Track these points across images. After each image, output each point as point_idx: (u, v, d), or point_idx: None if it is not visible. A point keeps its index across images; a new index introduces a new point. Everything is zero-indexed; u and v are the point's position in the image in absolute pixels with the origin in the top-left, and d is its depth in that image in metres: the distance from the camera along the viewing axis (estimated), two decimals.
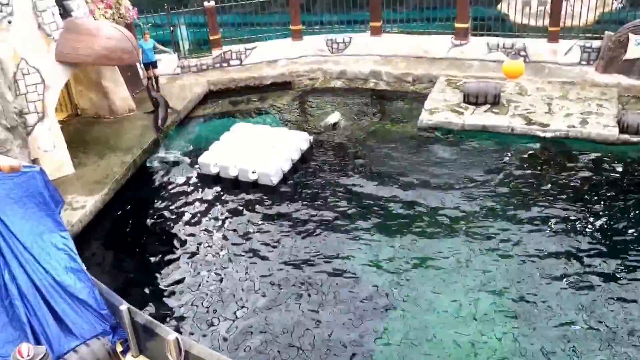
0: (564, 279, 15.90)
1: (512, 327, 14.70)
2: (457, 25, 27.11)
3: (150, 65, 25.22)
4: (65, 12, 21.03)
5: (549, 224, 17.89)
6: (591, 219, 18.01)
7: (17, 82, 19.58)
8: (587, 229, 17.66)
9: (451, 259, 16.92)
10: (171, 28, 27.81)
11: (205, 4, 27.80)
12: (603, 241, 17.15)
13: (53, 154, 20.51)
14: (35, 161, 19.20)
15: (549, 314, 14.96)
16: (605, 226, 17.74)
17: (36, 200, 13.77)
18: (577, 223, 17.90)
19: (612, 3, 29.41)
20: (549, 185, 19.64)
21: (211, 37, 28.37)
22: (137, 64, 25.26)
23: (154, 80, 25.41)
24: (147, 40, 24.83)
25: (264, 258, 17.61)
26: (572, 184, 19.72)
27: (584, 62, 25.60)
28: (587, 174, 20.18)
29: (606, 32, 24.87)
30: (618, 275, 15.90)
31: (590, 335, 14.33)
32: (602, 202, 18.75)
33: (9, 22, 19.31)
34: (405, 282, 16.23)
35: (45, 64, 20.10)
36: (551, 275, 16.07)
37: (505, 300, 15.45)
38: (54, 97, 20.58)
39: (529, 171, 20.48)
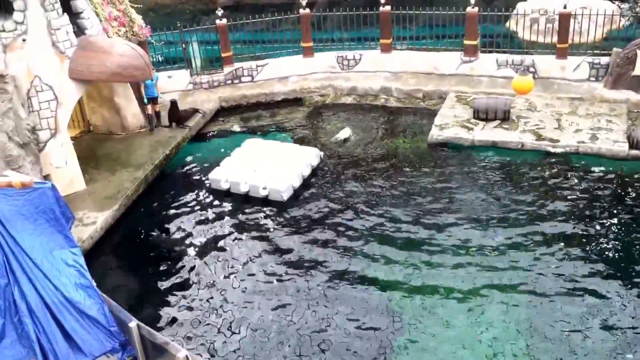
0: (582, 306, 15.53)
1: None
2: (466, 42, 26.90)
3: (152, 100, 24.53)
4: (79, 30, 20.90)
5: (564, 243, 17.55)
6: (605, 238, 17.67)
7: (31, 99, 19.45)
8: (602, 248, 17.32)
9: (464, 277, 16.63)
10: (183, 45, 27.66)
11: (217, 21, 27.65)
12: (618, 263, 16.79)
13: (65, 170, 20.32)
14: (47, 177, 19.05)
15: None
16: (621, 246, 17.39)
17: (47, 217, 13.54)
18: (592, 242, 17.56)
19: (620, 20, 29.17)
20: (560, 202, 19.34)
21: (223, 54, 28.20)
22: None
23: (154, 115, 24.78)
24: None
25: (274, 275, 17.35)
26: (584, 200, 19.40)
27: (592, 78, 25.35)
28: (598, 190, 19.88)
29: (614, 49, 24.68)
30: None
31: None
32: (615, 219, 18.42)
33: (24, 40, 19.23)
34: (418, 302, 15.93)
35: (59, 81, 19.95)
36: (567, 300, 15.67)
37: (519, 325, 15.15)
38: (67, 113, 20.41)
39: (540, 187, 20.17)
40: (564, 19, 25.65)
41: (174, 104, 24.64)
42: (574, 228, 18.13)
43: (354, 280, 16.86)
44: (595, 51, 25.91)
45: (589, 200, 19.36)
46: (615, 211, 18.76)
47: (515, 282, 16.27)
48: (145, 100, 24.27)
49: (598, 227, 18.09)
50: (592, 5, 27.93)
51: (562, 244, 17.50)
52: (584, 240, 17.66)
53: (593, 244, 17.44)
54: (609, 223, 18.25)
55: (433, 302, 15.88)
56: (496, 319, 15.20)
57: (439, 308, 15.68)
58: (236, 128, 25.72)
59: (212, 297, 16.71)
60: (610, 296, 15.64)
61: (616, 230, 17.93)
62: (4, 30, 19.02)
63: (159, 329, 15.09)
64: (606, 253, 17.13)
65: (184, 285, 17.27)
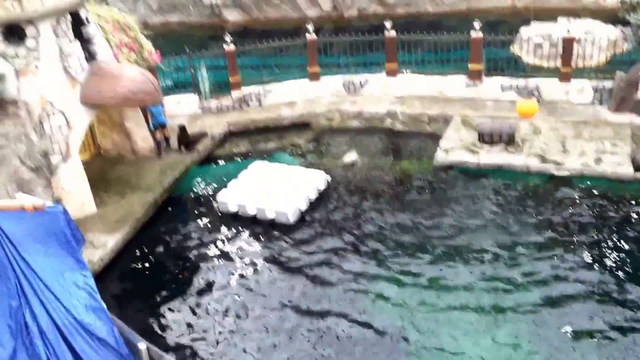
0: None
1: None
2: (471, 66, 26.96)
3: (160, 126, 24.60)
4: (90, 56, 21.04)
5: (572, 266, 17.55)
6: (612, 262, 17.61)
7: (42, 123, 19.53)
8: (609, 271, 17.30)
9: (471, 300, 16.62)
10: (192, 70, 27.79)
11: (225, 47, 27.77)
12: (625, 287, 16.74)
13: (76, 194, 20.39)
14: (58, 200, 19.06)
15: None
16: (629, 268, 17.36)
17: (58, 239, 13.55)
18: (600, 265, 17.55)
19: (623, 44, 29.23)
20: (567, 225, 19.32)
21: (231, 79, 28.30)
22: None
23: (164, 140, 24.90)
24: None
25: (281, 298, 17.36)
26: (590, 223, 19.39)
27: (596, 102, 25.40)
28: (604, 212, 19.86)
29: (617, 72, 24.70)
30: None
31: None
32: (622, 242, 18.38)
33: (36, 67, 19.31)
34: (425, 327, 15.91)
35: (70, 106, 20.08)
36: (577, 327, 15.61)
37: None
38: (78, 138, 20.52)
39: (546, 211, 20.14)
40: (568, 43, 25.72)
41: (182, 128, 24.75)
42: (581, 251, 18.10)
43: (359, 305, 16.81)
44: (599, 75, 25.93)
45: (595, 223, 19.34)
46: (621, 234, 18.71)
47: (523, 307, 16.25)
48: (152, 127, 24.36)
49: (605, 250, 18.05)
50: (595, 30, 28.07)
51: (570, 266, 17.47)
52: (590, 262, 17.63)
53: (600, 267, 17.39)
54: (615, 246, 18.20)
55: (442, 327, 15.83)
56: (503, 344, 15.17)
57: (449, 332, 15.64)
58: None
59: (220, 321, 16.71)
60: (619, 320, 15.65)
61: (623, 254, 17.86)
62: (16, 57, 19.12)
63: (168, 351, 15.05)
64: (614, 275, 17.09)
65: (193, 308, 17.28)
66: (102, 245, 19.05)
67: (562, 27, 28.04)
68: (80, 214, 20.23)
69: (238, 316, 16.83)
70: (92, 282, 13.89)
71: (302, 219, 20.74)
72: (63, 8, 19.56)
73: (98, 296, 13.80)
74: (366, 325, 16.12)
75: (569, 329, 15.40)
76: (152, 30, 28.94)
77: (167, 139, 24.81)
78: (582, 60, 26.73)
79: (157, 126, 24.30)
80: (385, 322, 16.10)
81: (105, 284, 17.61)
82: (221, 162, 25.38)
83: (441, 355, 15.00)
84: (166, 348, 15.46)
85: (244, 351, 15.64)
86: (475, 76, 26.92)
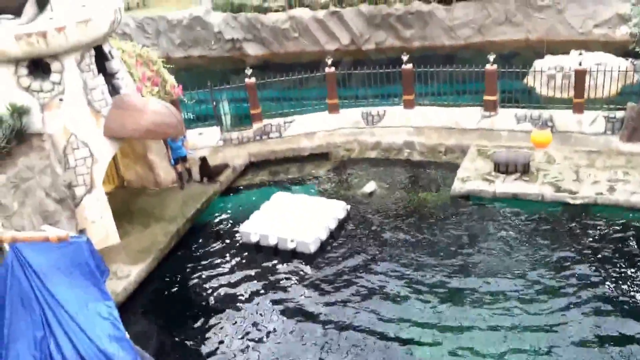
0: None
1: None
2: (486, 97, 26.74)
3: (180, 159, 24.24)
4: (114, 90, 20.99)
5: (589, 296, 17.26)
6: (631, 290, 17.38)
7: (67, 156, 19.50)
8: (628, 300, 17.06)
9: (492, 336, 16.38)
10: (214, 103, 27.72)
11: (246, 80, 27.69)
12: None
13: (100, 225, 20.31)
14: (82, 231, 19.00)
15: None
16: None
17: (82, 270, 13.41)
18: (618, 295, 17.28)
19: (633, 76, 29.01)
20: (583, 254, 19.09)
21: (252, 111, 28.16)
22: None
23: (185, 172, 24.64)
24: (176, 140, 23.67)
25: (302, 329, 17.19)
26: (606, 251, 19.12)
27: (608, 132, 25.08)
28: (619, 240, 19.60)
29: (629, 103, 24.46)
30: None
31: None
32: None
33: (61, 100, 19.31)
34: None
35: (94, 138, 20.02)
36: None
37: None
38: (102, 170, 20.44)
39: (561, 239, 19.93)
40: (580, 75, 25.51)
41: (203, 160, 24.62)
42: (598, 280, 17.86)
43: (379, 337, 16.60)
44: (611, 106, 25.69)
45: (611, 251, 19.08)
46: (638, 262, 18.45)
47: (542, 341, 16.03)
48: (172, 162, 24.18)
49: (622, 280, 17.78)
50: (607, 62, 27.83)
51: (588, 297, 17.20)
52: (608, 293, 17.34)
53: (619, 297, 17.12)
54: (633, 274, 17.94)
55: None
56: None
57: None
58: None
59: (242, 351, 16.55)
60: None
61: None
62: (42, 91, 19.14)
63: None
64: (632, 304, 16.81)
65: (214, 339, 17.13)
66: (126, 275, 18.91)
67: (574, 59, 27.83)
68: (104, 244, 20.14)
69: (259, 346, 16.67)
70: (115, 312, 13.74)
71: (322, 249, 20.54)
72: (87, 43, 19.53)
73: (121, 326, 13.64)
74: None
75: None
76: (174, 64, 29.01)
77: (189, 171, 24.66)
78: (594, 92, 26.52)
79: (178, 160, 24.12)
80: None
81: (128, 314, 17.43)
82: (242, 193, 25.20)
83: None
84: None
85: None
86: (490, 107, 26.70)
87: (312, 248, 20.24)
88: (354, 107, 28.89)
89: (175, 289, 19.50)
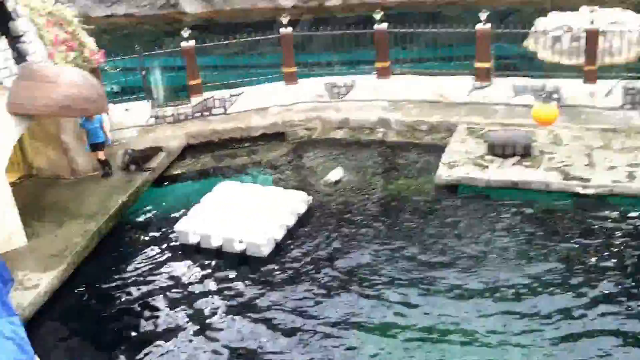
0: None
1: None
2: (477, 64, 26.88)
3: (97, 146, 24.01)
4: (19, 56, 20.77)
5: (603, 310, 17.31)
6: None
7: None
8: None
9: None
10: (143, 72, 27.57)
11: (183, 44, 27.53)
12: None
13: (2, 224, 20.12)
14: None
15: None
16: None
17: None
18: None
19: None
20: (597, 256, 19.08)
21: (190, 82, 28.09)
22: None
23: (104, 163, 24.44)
24: (92, 119, 23.46)
25: (249, 345, 17.14)
26: (625, 253, 19.13)
27: (627, 106, 25.29)
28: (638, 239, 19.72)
29: None
30: None
31: None
32: None
33: None
34: None
35: None
36: None
37: None
38: (5, 155, 20.27)
39: (570, 238, 19.98)
40: (592, 36, 25.63)
41: (128, 154, 24.31)
42: (615, 289, 17.84)
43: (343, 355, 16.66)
44: (630, 74, 25.90)
45: (632, 254, 19.07)
46: None
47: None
48: (87, 148, 24.00)
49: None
50: (624, 20, 28.07)
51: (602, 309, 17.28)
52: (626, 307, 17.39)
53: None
54: None
55: None
56: None
57: None
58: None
59: None
60: None
61: None
62: None
63: None
64: None
65: (141, 357, 17.05)
66: (34, 285, 18.75)
67: (584, 18, 28.05)
68: (8, 247, 19.99)
69: None
70: (21, 330, 13.72)
71: (278, 251, 20.53)
72: None
73: (29, 347, 13.60)
74: None
75: None
76: (94, 24, 28.68)
77: (105, 162, 24.36)
78: (609, 57, 26.72)
79: (93, 146, 23.91)
80: None
81: (38, 332, 17.30)
82: (179, 182, 25.20)
83: None
84: None
85: None
86: (482, 77, 26.84)
87: (265, 251, 20.26)
88: (316, 76, 28.98)
89: (94, 301, 19.40)
